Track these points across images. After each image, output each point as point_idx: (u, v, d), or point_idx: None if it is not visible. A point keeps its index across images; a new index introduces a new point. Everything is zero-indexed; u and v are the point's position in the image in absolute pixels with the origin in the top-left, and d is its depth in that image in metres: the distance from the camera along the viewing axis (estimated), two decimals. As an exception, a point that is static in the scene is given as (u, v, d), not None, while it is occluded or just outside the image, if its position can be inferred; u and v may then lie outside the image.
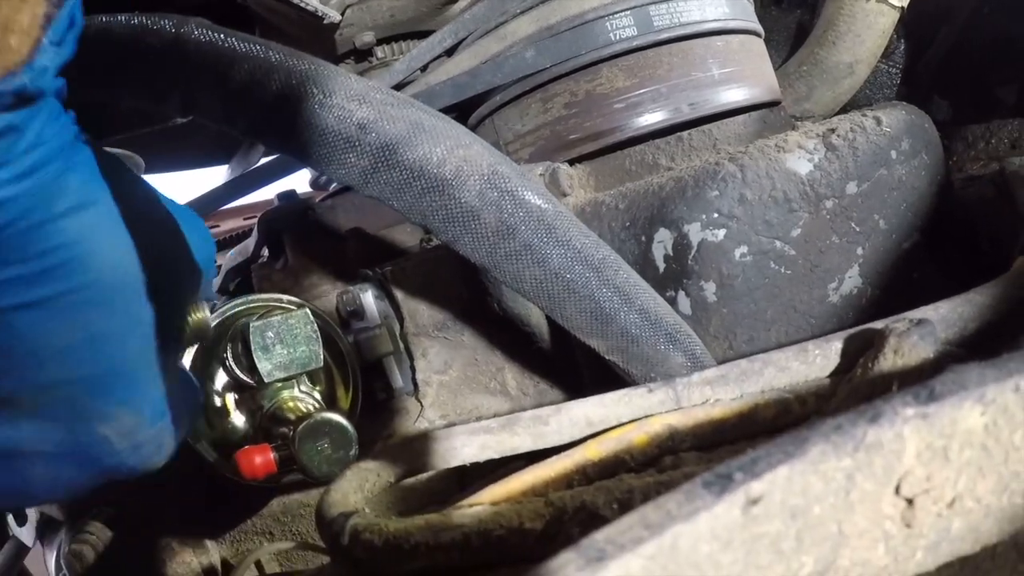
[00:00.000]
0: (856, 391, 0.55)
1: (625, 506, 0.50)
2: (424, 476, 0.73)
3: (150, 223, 0.70)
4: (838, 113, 1.53)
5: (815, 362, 0.62)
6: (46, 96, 0.56)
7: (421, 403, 1.03)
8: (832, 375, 0.63)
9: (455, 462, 0.67)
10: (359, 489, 0.66)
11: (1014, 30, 1.55)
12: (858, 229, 0.92)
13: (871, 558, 0.39)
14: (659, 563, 0.31)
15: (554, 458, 0.60)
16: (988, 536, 0.42)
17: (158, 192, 0.74)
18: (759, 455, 0.33)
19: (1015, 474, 0.40)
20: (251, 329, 0.87)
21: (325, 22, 1.17)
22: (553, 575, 0.31)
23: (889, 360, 0.56)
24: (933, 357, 0.57)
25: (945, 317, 0.67)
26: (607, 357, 0.84)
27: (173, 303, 0.71)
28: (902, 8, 1.46)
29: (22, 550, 1.54)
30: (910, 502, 0.37)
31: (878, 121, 0.95)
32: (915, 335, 0.56)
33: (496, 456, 0.65)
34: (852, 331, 0.63)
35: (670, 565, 0.31)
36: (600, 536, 0.31)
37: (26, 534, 1.33)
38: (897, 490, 0.37)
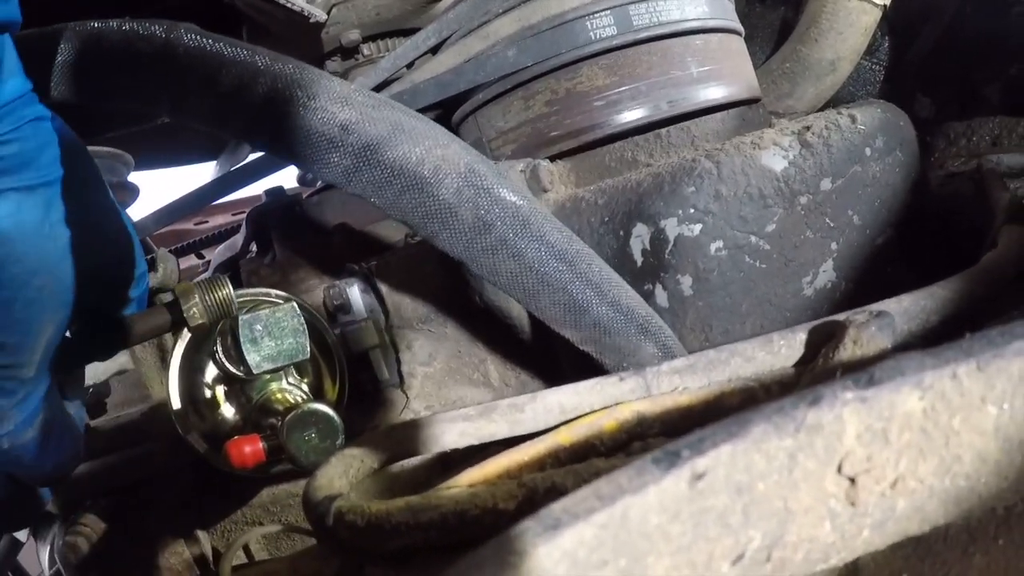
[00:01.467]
0: (816, 380, 0.58)
1: (593, 488, 0.52)
2: (408, 463, 0.75)
3: (100, 235, 0.72)
4: (822, 109, 1.56)
5: (780, 352, 0.65)
6: None
7: (407, 395, 1.05)
8: (797, 365, 0.65)
9: (436, 448, 0.69)
10: (344, 474, 0.68)
11: (997, 28, 1.57)
12: (832, 225, 0.94)
13: (818, 534, 0.41)
14: (610, 532, 0.33)
15: (528, 443, 0.62)
16: (935, 517, 0.44)
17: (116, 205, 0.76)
18: (705, 434, 0.35)
19: (956, 457, 0.42)
20: (240, 322, 0.89)
21: (311, 21, 1.19)
22: (512, 542, 0.33)
23: (848, 350, 0.58)
24: (891, 348, 0.59)
25: (907, 310, 0.69)
26: (581, 347, 0.87)
27: (87, 330, 0.73)
28: (884, 6, 1.48)
29: (16, 546, 1.56)
30: (852, 481, 0.39)
31: (853, 119, 0.97)
32: (873, 326, 0.58)
33: (475, 442, 0.67)
34: (816, 323, 0.65)
35: (621, 534, 0.34)
36: (557, 506, 0.34)
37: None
38: (839, 469, 0.39)
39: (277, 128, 0.83)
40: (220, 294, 0.84)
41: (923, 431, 0.40)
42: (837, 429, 0.37)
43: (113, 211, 0.76)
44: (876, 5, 1.47)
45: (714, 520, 0.37)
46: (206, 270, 1.61)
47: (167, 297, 1.14)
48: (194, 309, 0.83)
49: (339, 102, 0.83)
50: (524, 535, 0.34)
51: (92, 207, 0.73)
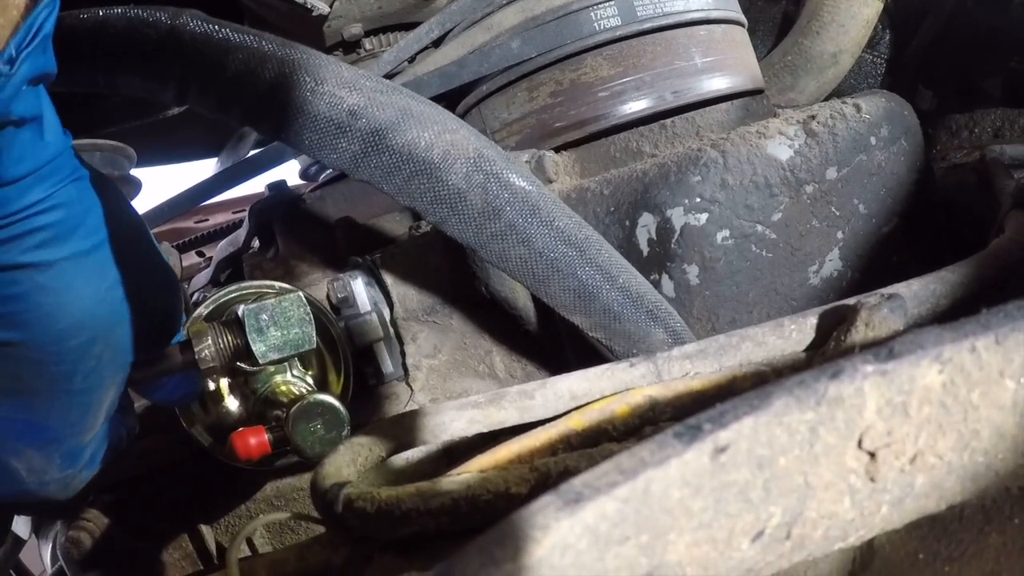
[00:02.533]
0: (827, 362, 0.57)
1: (607, 471, 0.52)
2: (413, 456, 0.74)
3: (150, 287, 0.72)
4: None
5: (791, 336, 0.64)
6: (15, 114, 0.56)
7: (411, 387, 1.05)
8: (808, 349, 0.65)
9: (444, 436, 0.69)
10: (352, 463, 0.68)
11: (998, 21, 1.57)
12: (838, 213, 0.94)
13: (838, 511, 0.41)
14: (632, 506, 0.33)
15: (539, 428, 0.62)
16: (952, 494, 0.44)
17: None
18: (726, 408, 0.35)
19: (975, 432, 0.42)
20: (245, 312, 0.89)
21: (314, 14, 1.19)
22: (533, 516, 0.33)
23: (861, 333, 0.58)
24: (903, 330, 0.59)
25: (917, 293, 0.69)
26: (590, 334, 0.86)
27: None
28: (885, -1, 1.48)
29: (18, 543, 1.55)
30: (872, 456, 0.39)
31: (858, 108, 0.97)
32: (885, 308, 0.58)
33: (484, 430, 0.67)
34: (826, 307, 0.65)
35: (643, 508, 0.33)
36: (578, 481, 0.33)
37: (22, 527, 1.35)
38: (860, 444, 0.38)
39: (284, 114, 0.83)
40: (235, 340, 0.85)
41: (942, 405, 0.40)
42: (858, 402, 0.37)
43: (156, 255, 0.75)
44: (877, -3, 1.47)
45: (735, 495, 0.37)
46: (207, 267, 1.60)
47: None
48: (206, 352, 0.83)
49: (347, 87, 0.83)
50: (546, 509, 0.33)
51: (140, 259, 0.72)
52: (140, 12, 0.81)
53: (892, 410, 0.38)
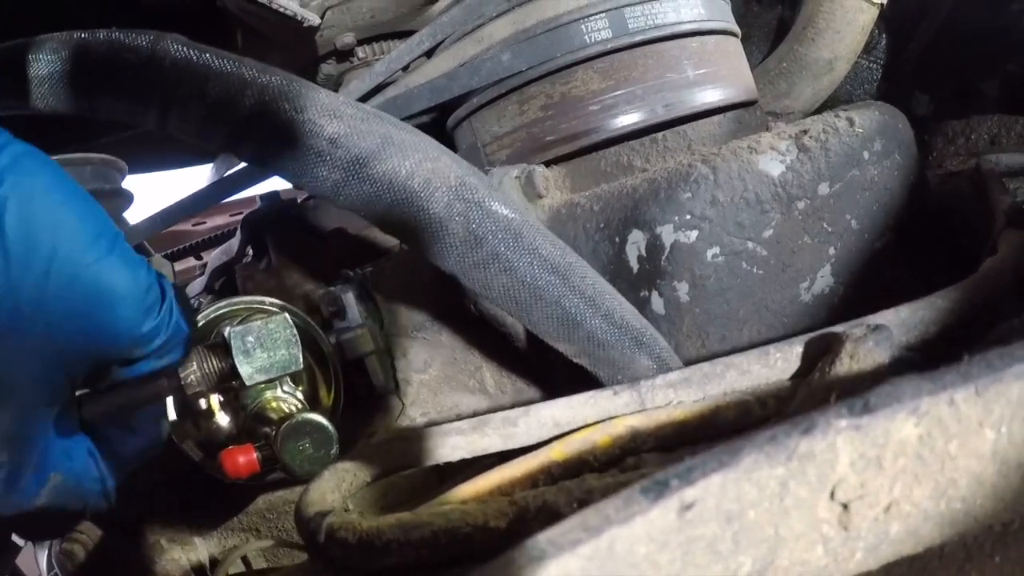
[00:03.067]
0: (813, 395, 0.57)
1: (585, 505, 0.52)
2: (399, 478, 0.74)
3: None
4: (819, 108, 1.55)
5: (776, 365, 0.64)
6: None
7: (403, 401, 1.04)
8: (793, 377, 0.64)
9: (429, 462, 0.69)
10: (336, 489, 0.68)
11: (994, 25, 1.57)
12: (830, 229, 0.93)
13: (810, 558, 0.40)
14: (596, 563, 0.33)
15: (521, 458, 0.61)
16: (930, 538, 0.44)
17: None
18: (695, 463, 0.35)
19: (952, 481, 0.42)
20: (232, 334, 0.89)
21: (305, 25, 1.18)
22: (498, 573, 0.32)
23: (845, 365, 0.57)
24: (888, 362, 0.58)
25: (905, 321, 0.68)
26: (575, 360, 0.86)
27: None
28: (881, 4, 1.47)
29: (14, 549, 1.56)
30: (845, 507, 0.39)
31: (851, 122, 0.96)
32: (871, 341, 0.57)
33: (468, 456, 0.67)
34: (812, 335, 0.64)
35: (607, 564, 0.33)
36: (542, 537, 0.33)
37: (18, 533, 1.35)
38: (832, 496, 0.38)
39: (264, 141, 0.82)
40: (221, 364, 0.85)
41: (918, 457, 0.40)
42: (830, 457, 0.37)
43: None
44: (873, 4, 1.46)
45: (703, 548, 0.36)
46: (203, 272, 1.60)
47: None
48: (192, 376, 0.82)
49: (327, 115, 0.82)
50: (509, 567, 0.33)
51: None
52: (121, 36, 0.81)
53: (866, 463, 0.38)
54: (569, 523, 0.34)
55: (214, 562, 1.12)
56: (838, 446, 0.36)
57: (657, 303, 0.91)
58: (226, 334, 0.89)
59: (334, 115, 0.82)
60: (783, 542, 0.38)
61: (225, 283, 1.42)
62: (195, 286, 1.59)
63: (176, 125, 0.84)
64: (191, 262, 2.22)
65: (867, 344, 0.57)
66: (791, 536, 0.38)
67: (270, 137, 0.82)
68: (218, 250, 1.52)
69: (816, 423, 0.36)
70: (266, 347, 0.87)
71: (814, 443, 0.36)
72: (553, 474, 0.60)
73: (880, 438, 0.37)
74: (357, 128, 0.83)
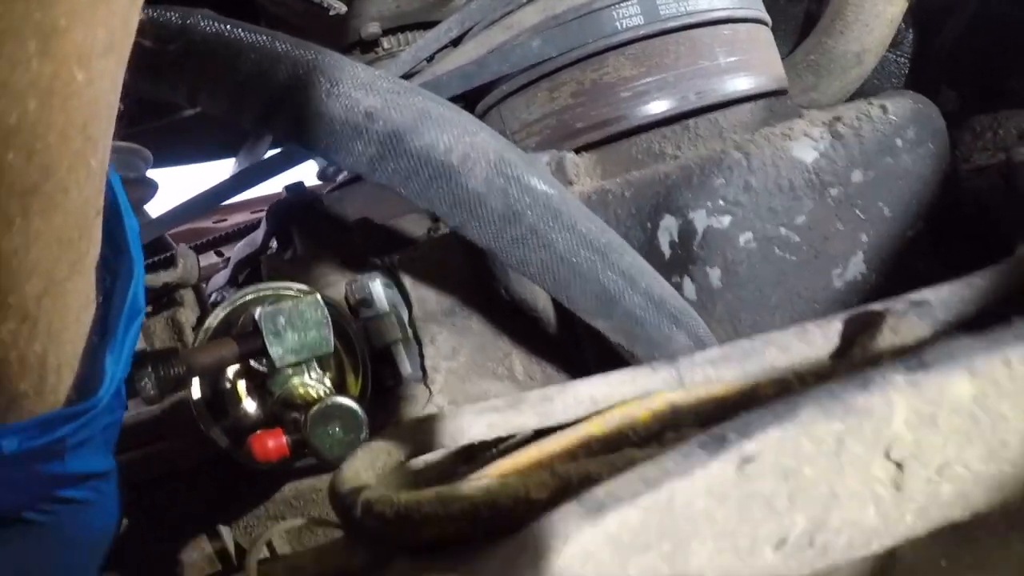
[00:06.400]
0: (853, 370, 0.56)
1: (628, 476, 0.52)
2: (433, 457, 0.74)
3: None
4: (847, 102, 1.54)
5: (816, 342, 0.63)
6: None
7: (430, 389, 1.04)
8: (832, 355, 0.64)
9: (463, 440, 0.68)
10: (370, 467, 0.67)
11: (1022, 20, 1.56)
12: (863, 217, 0.93)
13: (861, 519, 0.40)
14: (655, 516, 0.33)
15: (559, 433, 0.61)
16: (977, 503, 0.43)
17: None
18: (752, 417, 0.35)
19: (1003, 443, 0.41)
20: (262, 315, 0.89)
21: (331, 13, 1.18)
22: (555, 525, 0.32)
23: (887, 339, 0.57)
24: (930, 336, 0.58)
25: (945, 300, 0.68)
26: (612, 338, 0.85)
27: None
28: (910, -2, 1.47)
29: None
30: (899, 466, 0.38)
31: (884, 109, 0.96)
32: (913, 315, 0.57)
33: (503, 434, 0.67)
34: (852, 312, 0.64)
35: (666, 518, 0.33)
36: (601, 490, 0.33)
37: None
38: (887, 454, 0.38)
39: (298, 116, 0.82)
40: (174, 371, 0.85)
41: (972, 416, 0.39)
42: (886, 413, 0.36)
43: None
44: (902, -4, 1.45)
45: (759, 504, 0.36)
46: (226, 267, 1.61)
47: (188, 295, 1.14)
48: (146, 381, 0.83)
49: (363, 89, 0.82)
50: (568, 518, 0.33)
51: None
52: (150, 12, 0.81)
53: (920, 421, 0.37)
54: (628, 476, 0.34)
55: (240, 550, 1.12)
56: (894, 402, 0.36)
57: (689, 289, 0.91)
58: (256, 315, 0.89)
59: (370, 89, 0.82)
60: (837, 500, 0.38)
61: (250, 274, 1.43)
62: (219, 279, 1.59)
63: (207, 101, 0.84)
64: (212, 258, 2.22)
65: (909, 318, 0.57)
66: (845, 494, 0.38)
67: (304, 112, 0.82)
68: (242, 242, 1.53)
69: (872, 379, 0.36)
70: (296, 328, 0.87)
71: (871, 398, 0.36)
72: (592, 448, 0.59)
73: (935, 395, 0.37)
74: (394, 102, 0.83)
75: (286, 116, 0.83)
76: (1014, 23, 1.57)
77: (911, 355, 0.37)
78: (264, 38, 0.82)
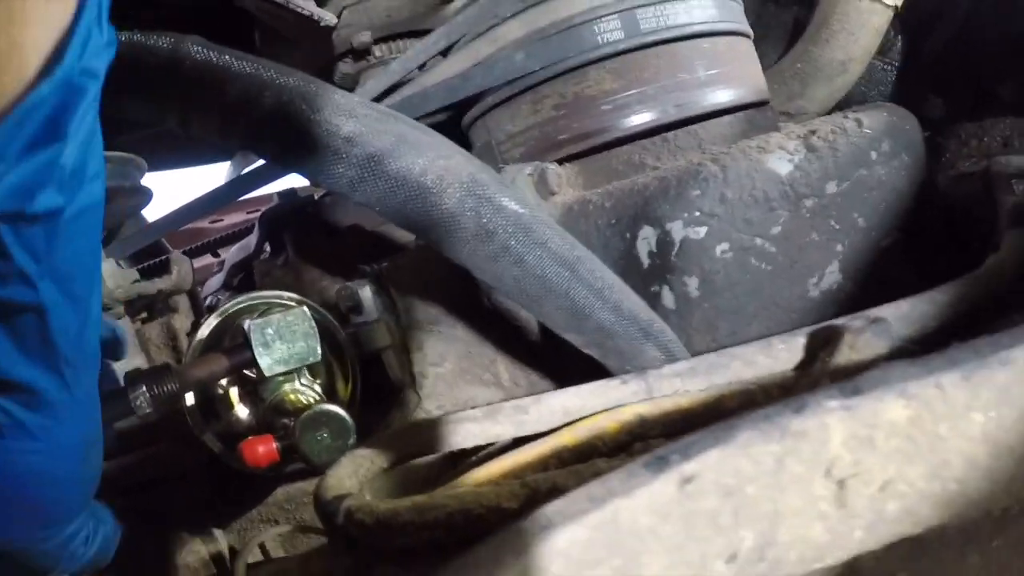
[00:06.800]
0: (812, 384, 0.59)
1: (593, 489, 0.54)
2: (417, 464, 0.76)
3: None
4: (833, 109, 1.56)
5: (780, 356, 0.66)
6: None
7: (419, 395, 1.06)
8: (796, 368, 0.66)
9: (444, 449, 0.71)
10: (354, 475, 0.70)
11: (1010, 27, 1.57)
12: (838, 227, 0.95)
13: (810, 535, 0.42)
14: (602, 533, 0.35)
15: (531, 444, 0.63)
16: (928, 519, 0.46)
17: None
18: (693, 439, 0.37)
19: (945, 462, 0.43)
20: (251, 326, 0.91)
21: (322, 25, 1.20)
22: (509, 541, 0.34)
23: (845, 355, 0.59)
24: (886, 353, 0.60)
25: (906, 315, 0.70)
26: (585, 351, 0.88)
27: None
28: (896, 7, 1.48)
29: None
30: (841, 484, 0.41)
31: (859, 123, 0.98)
32: (869, 332, 0.59)
33: (481, 443, 0.69)
34: (815, 327, 0.66)
35: (613, 534, 0.35)
36: (550, 508, 0.35)
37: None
38: (827, 473, 0.40)
39: (283, 141, 0.85)
40: (168, 388, 0.87)
41: (909, 437, 0.41)
42: (823, 436, 0.39)
43: None
44: (887, 6, 1.47)
45: (704, 521, 0.38)
46: (220, 269, 1.63)
47: (182, 301, 1.16)
48: (141, 399, 0.85)
49: (344, 114, 0.85)
50: (519, 536, 0.35)
51: None
52: (141, 38, 0.84)
53: (858, 442, 0.40)
54: (575, 495, 0.36)
55: (234, 553, 1.14)
56: (830, 425, 0.38)
57: (668, 298, 0.93)
58: (246, 327, 0.91)
59: (350, 115, 0.85)
60: (782, 518, 0.40)
61: (243, 279, 1.45)
62: (213, 283, 1.62)
63: (197, 125, 0.87)
64: (208, 259, 2.25)
65: (865, 335, 0.59)
66: (790, 512, 0.40)
67: (288, 136, 0.84)
68: (236, 247, 1.55)
69: (807, 403, 0.38)
70: (285, 339, 0.89)
71: (806, 422, 0.38)
72: (563, 458, 0.62)
73: (870, 419, 0.39)
74: (372, 127, 0.85)
75: (272, 140, 0.86)
76: (1001, 31, 1.58)
77: (847, 380, 0.39)
78: (250, 65, 0.84)
